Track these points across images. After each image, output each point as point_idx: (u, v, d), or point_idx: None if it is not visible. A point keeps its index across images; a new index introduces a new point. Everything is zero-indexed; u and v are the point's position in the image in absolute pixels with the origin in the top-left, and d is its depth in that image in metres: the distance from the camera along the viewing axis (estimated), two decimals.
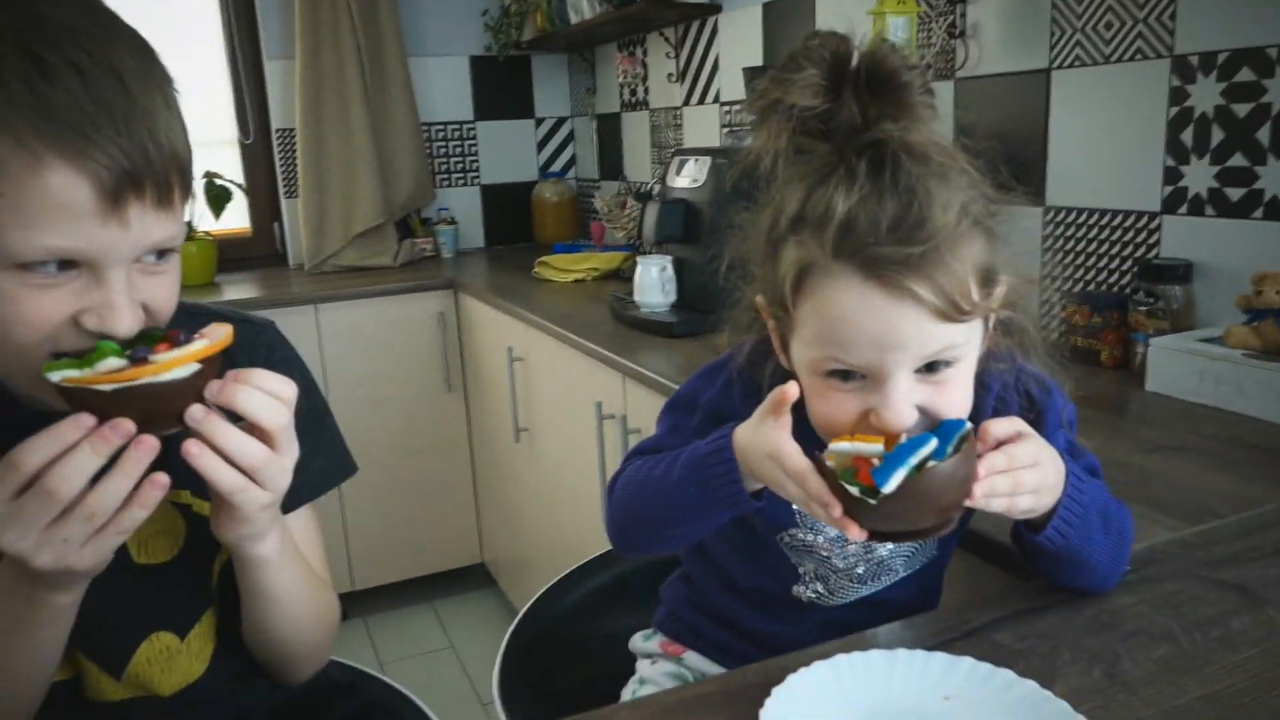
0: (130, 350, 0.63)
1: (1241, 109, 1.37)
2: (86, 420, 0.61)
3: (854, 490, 0.65)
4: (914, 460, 0.64)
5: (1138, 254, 1.55)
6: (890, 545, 0.88)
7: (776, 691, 0.66)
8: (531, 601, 1.13)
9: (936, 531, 0.68)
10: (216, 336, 0.67)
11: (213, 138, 3.02)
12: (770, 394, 0.72)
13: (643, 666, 0.98)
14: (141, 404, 0.62)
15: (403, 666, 2.62)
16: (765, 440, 0.71)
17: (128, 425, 0.61)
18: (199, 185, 2.76)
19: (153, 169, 0.62)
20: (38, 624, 0.68)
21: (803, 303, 0.72)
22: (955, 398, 0.73)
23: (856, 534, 0.67)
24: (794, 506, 0.86)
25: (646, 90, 2.93)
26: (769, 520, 0.87)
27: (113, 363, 0.62)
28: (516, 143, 3.40)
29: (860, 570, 0.89)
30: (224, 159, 3.02)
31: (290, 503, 0.82)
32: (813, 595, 0.90)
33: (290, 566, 0.78)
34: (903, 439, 0.67)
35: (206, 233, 2.82)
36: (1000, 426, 0.72)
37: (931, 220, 0.67)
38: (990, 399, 0.84)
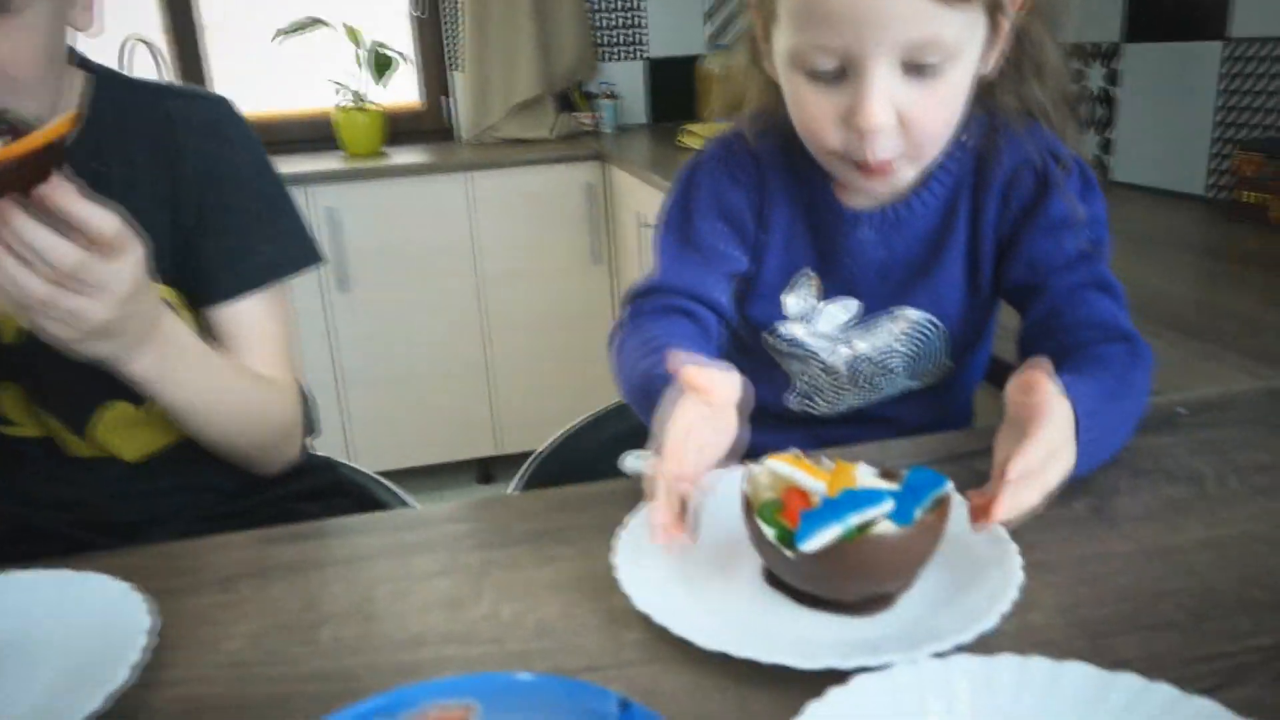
0: None
1: None
2: None
3: (769, 532, 0.51)
4: (855, 520, 0.48)
5: None
6: (878, 345, 0.80)
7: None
8: (559, 436, 1.10)
9: (863, 610, 0.51)
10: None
11: (387, 9, 3.10)
12: (687, 372, 0.56)
13: None
14: None
15: None
16: (666, 411, 0.57)
17: None
18: (364, 55, 2.85)
19: None
20: None
21: None
22: (943, 112, 0.66)
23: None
24: (781, 301, 0.79)
25: None
26: (755, 319, 0.81)
27: None
28: (686, 12, 3.27)
29: (850, 371, 0.81)
30: (399, 33, 3.11)
31: (235, 288, 0.81)
32: (806, 405, 0.82)
33: (188, 381, 0.74)
34: (857, 481, 0.51)
35: (375, 103, 2.92)
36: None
37: None
38: (1002, 172, 0.75)
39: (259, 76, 3.01)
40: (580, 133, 3.10)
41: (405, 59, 2.93)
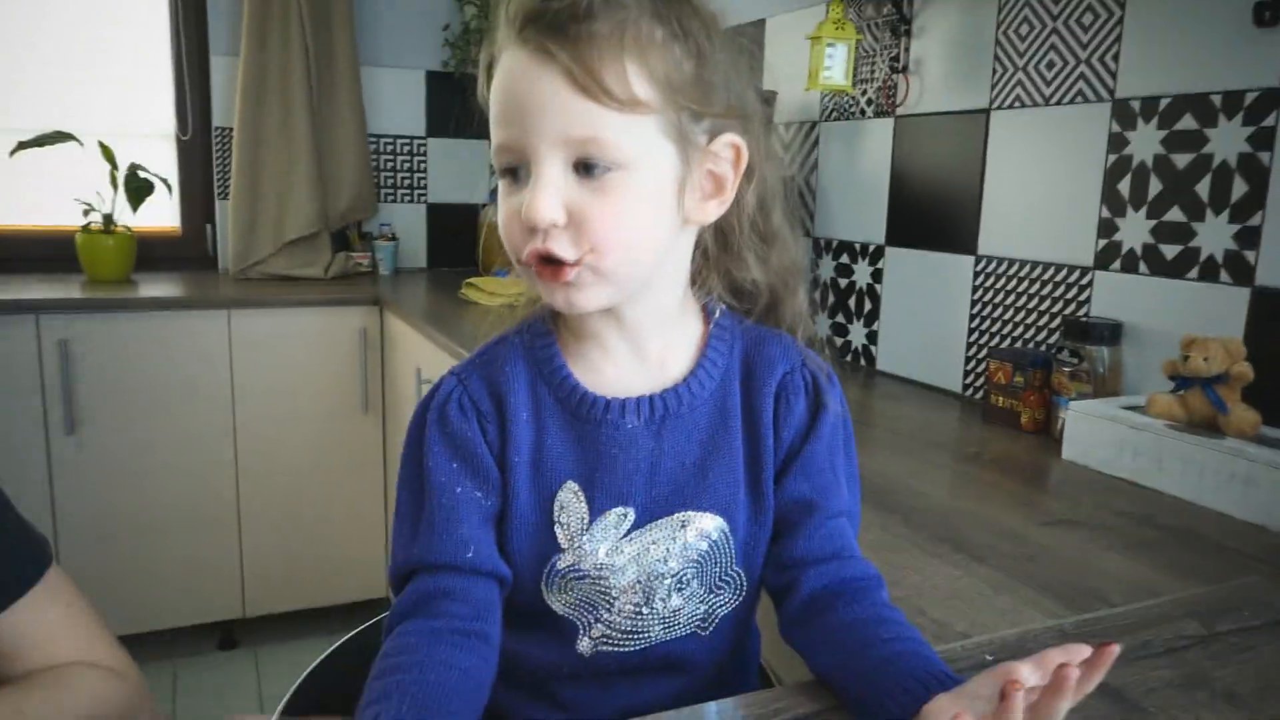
0: None
1: (1181, 159, 1.26)
2: None
3: None
4: None
5: (1068, 311, 1.43)
6: (669, 554, 0.74)
7: None
8: (315, 663, 0.98)
9: None
10: None
11: (150, 131, 2.90)
12: None
13: None
14: None
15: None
16: None
17: None
18: (120, 177, 2.63)
19: None
20: None
21: (490, 93, 0.69)
22: (612, 217, 0.65)
23: None
24: (553, 533, 0.73)
25: None
26: (527, 566, 0.73)
27: None
28: (469, 163, 3.29)
29: (644, 592, 0.74)
30: (161, 154, 2.90)
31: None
32: (602, 648, 0.75)
33: None
34: None
35: (126, 227, 2.68)
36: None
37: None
38: (773, 373, 0.75)
39: None
40: (356, 273, 2.99)
41: (167, 184, 2.72)
